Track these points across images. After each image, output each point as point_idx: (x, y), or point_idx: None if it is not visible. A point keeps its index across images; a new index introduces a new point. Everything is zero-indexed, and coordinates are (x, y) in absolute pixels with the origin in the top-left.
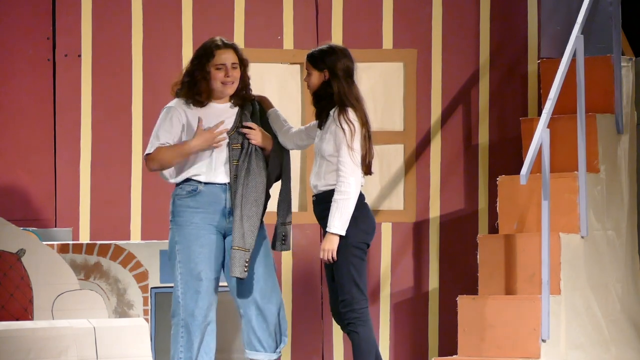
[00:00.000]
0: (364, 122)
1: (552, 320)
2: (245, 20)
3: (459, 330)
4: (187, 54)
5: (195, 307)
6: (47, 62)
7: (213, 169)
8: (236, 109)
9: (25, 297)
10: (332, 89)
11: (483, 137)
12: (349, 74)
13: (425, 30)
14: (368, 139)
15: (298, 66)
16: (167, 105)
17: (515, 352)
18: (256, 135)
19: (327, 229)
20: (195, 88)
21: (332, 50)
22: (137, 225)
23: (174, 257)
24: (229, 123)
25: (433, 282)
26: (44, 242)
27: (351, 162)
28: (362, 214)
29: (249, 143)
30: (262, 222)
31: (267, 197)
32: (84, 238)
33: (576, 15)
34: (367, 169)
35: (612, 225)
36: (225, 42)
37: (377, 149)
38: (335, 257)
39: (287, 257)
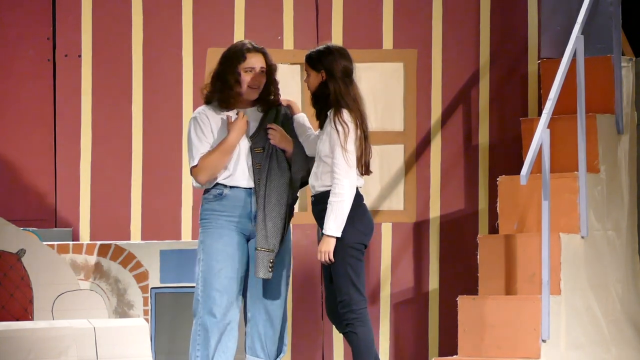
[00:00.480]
0: (360, 123)
1: (552, 320)
2: (245, 20)
3: (459, 330)
4: (187, 54)
5: (213, 305)
6: (47, 63)
7: (238, 173)
8: (261, 114)
9: (25, 297)
10: (329, 90)
11: (483, 137)
12: (347, 74)
13: (425, 30)
14: (364, 139)
15: (298, 66)
16: (192, 116)
17: (515, 352)
18: (274, 135)
19: (323, 231)
20: (226, 91)
21: (329, 51)
22: (137, 225)
23: (198, 258)
24: (253, 128)
25: (433, 282)
26: (44, 242)
27: (345, 164)
28: (359, 214)
29: (270, 146)
30: (287, 224)
31: (294, 198)
32: (84, 238)
33: (576, 15)
34: (365, 169)
35: (612, 226)
36: (256, 46)
37: (377, 149)
38: (332, 259)
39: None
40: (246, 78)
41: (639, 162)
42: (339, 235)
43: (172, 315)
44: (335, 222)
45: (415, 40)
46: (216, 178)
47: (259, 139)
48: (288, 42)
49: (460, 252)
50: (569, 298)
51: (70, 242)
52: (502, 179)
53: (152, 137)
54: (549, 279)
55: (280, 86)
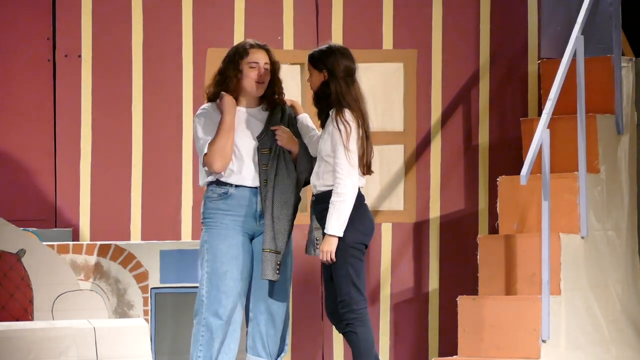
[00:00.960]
0: (361, 123)
1: (552, 321)
2: (245, 20)
3: (459, 330)
4: (187, 55)
5: (219, 307)
6: (47, 63)
7: (244, 172)
8: (266, 114)
9: (25, 297)
10: (330, 89)
11: (483, 137)
12: (349, 73)
13: (425, 30)
14: (366, 139)
15: (298, 66)
16: (199, 113)
17: (515, 353)
18: (282, 137)
19: (325, 231)
20: (228, 86)
21: (331, 51)
22: (137, 226)
23: (202, 257)
24: (259, 129)
25: (433, 282)
26: (44, 243)
27: (347, 164)
28: (360, 214)
29: (277, 146)
30: (292, 225)
31: (298, 199)
32: (84, 238)
33: (576, 15)
34: (366, 169)
35: (612, 226)
36: (259, 43)
37: (377, 149)
38: (334, 259)
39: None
40: (251, 74)
41: (639, 162)
42: (341, 234)
43: (172, 315)
44: (338, 222)
45: (415, 40)
46: (222, 174)
47: (265, 139)
48: (288, 42)
49: (460, 252)
50: (569, 298)
51: (70, 242)
52: (502, 179)
53: (152, 137)
54: (549, 279)
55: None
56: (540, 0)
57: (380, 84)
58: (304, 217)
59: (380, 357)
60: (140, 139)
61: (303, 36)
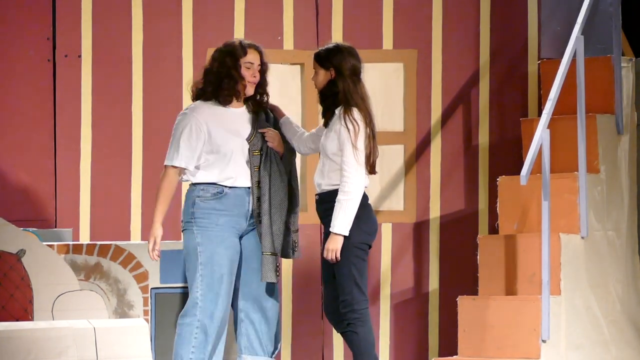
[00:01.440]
0: (368, 122)
1: (552, 321)
2: (245, 20)
3: (459, 331)
4: (187, 54)
5: (215, 310)
6: (47, 63)
7: (238, 174)
8: (251, 115)
9: (25, 297)
10: (338, 88)
11: (483, 137)
12: (355, 72)
13: (425, 30)
14: (372, 138)
15: (298, 67)
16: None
17: (515, 353)
18: (273, 138)
19: (331, 229)
20: (231, 85)
21: (339, 49)
22: (137, 226)
23: (194, 258)
24: (247, 129)
25: (433, 282)
26: (44, 243)
27: (355, 162)
28: (365, 214)
29: (268, 148)
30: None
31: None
32: (84, 238)
33: (576, 15)
34: (371, 169)
35: (612, 226)
36: (252, 43)
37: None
38: (339, 257)
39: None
40: (246, 73)
41: (639, 162)
42: (347, 233)
43: (172, 315)
44: (344, 220)
45: (415, 40)
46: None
47: (255, 141)
48: (288, 42)
49: (460, 252)
50: (569, 298)
51: (70, 242)
52: (502, 179)
53: (152, 137)
54: (549, 279)
55: (280, 86)
56: (540, 0)
57: (380, 84)
58: (303, 217)
59: (380, 357)
60: (140, 139)
61: (303, 36)
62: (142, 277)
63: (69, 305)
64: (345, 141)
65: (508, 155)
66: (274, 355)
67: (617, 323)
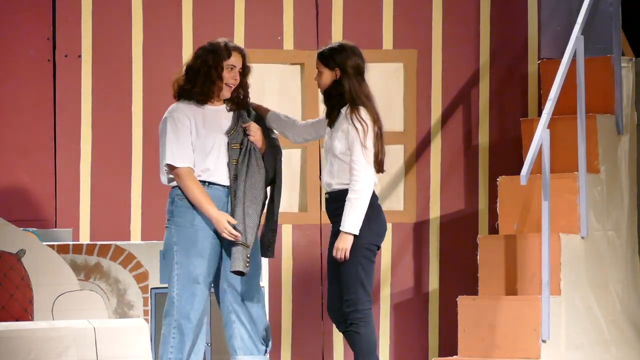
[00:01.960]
0: (375, 120)
1: (552, 321)
2: (245, 20)
3: (459, 330)
4: (187, 54)
5: (191, 310)
6: (47, 63)
7: (218, 169)
8: (232, 112)
9: (25, 297)
10: (343, 88)
11: (483, 137)
12: (359, 72)
13: (425, 30)
14: (380, 137)
15: (298, 67)
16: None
17: (515, 353)
18: (256, 132)
19: (341, 228)
20: (208, 85)
21: (343, 49)
22: (137, 226)
23: (170, 257)
24: (227, 124)
25: (433, 282)
26: (44, 243)
27: (364, 161)
28: (374, 215)
29: (248, 142)
30: (260, 221)
31: (265, 196)
32: (84, 238)
33: (576, 15)
34: (379, 167)
35: (612, 226)
36: (237, 45)
37: None
38: (347, 256)
39: (287, 257)
40: (227, 75)
41: (639, 162)
42: (357, 232)
43: None
44: (354, 219)
45: (415, 40)
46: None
47: (235, 135)
48: (288, 42)
49: (460, 252)
50: (569, 298)
51: (70, 242)
52: (502, 179)
53: (152, 137)
54: (549, 279)
55: (280, 86)
56: (540, 0)
57: (380, 84)
58: (303, 217)
59: (380, 357)
60: (140, 139)
61: (303, 36)
62: (142, 277)
63: (69, 305)
64: (354, 141)
65: (508, 155)
66: (267, 353)
67: (617, 323)
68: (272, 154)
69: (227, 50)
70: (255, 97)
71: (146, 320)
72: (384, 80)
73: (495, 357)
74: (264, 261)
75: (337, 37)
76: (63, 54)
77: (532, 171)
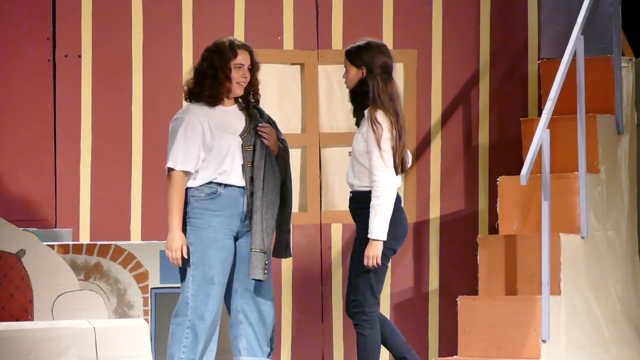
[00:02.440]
0: (394, 122)
1: (552, 321)
2: (245, 20)
3: (459, 331)
4: (187, 55)
5: (205, 311)
6: (47, 63)
7: (234, 171)
8: (244, 112)
9: (25, 297)
10: (368, 87)
11: (483, 137)
12: (387, 70)
13: (425, 30)
14: (399, 139)
15: (298, 67)
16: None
17: (515, 353)
18: (270, 134)
19: (369, 236)
20: (217, 87)
21: (369, 46)
22: (137, 226)
23: (186, 258)
24: (240, 124)
25: (433, 282)
26: (44, 243)
27: (383, 165)
28: (394, 218)
29: (262, 144)
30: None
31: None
32: (84, 238)
33: (576, 15)
34: (400, 168)
35: (612, 226)
36: (243, 43)
37: None
38: (379, 263)
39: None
40: (236, 75)
41: (639, 163)
42: (384, 238)
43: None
44: (380, 225)
45: (415, 40)
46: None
47: (248, 137)
48: (288, 42)
49: (460, 252)
50: (569, 298)
51: (70, 242)
52: (502, 179)
53: (152, 138)
54: (549, 279)
55: (280, 87)
56: (540, 0)
57: None
58: (303, 217)
59: (380, 357)
60: (140, 139)
61: (303, 36)
62: (142, 277)
63: (69, 305)
64: (371, 144)
65: (508, 155)
66: (269, 356)
67: (617, 323)
68: (282, 156)
69: (232, 49)
70: None
71: (146, 320)
72: None
73: (495, 357)
74: None
75: (337, 37)
76: (63, 54)
77: (532, 171)
